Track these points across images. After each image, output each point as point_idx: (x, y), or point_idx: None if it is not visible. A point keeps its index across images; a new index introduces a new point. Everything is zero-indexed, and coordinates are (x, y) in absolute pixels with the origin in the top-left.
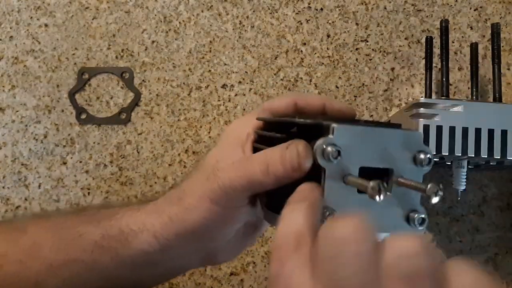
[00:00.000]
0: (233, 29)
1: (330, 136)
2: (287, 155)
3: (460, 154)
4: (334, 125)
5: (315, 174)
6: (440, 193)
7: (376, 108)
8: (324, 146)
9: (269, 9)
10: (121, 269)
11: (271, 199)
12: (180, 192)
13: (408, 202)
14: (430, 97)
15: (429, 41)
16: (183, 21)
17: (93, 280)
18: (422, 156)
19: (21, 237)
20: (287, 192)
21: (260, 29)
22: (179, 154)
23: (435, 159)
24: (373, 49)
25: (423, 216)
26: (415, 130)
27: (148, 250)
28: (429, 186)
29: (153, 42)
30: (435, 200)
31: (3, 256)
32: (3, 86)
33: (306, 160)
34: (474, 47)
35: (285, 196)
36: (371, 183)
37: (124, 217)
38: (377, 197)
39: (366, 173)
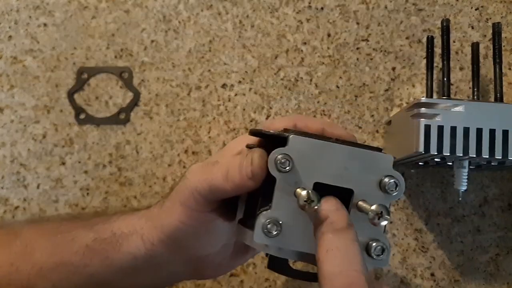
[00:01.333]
0: (233, 28)
1: (285, 146)
2: (244, 163)
3: (461, 154)
4: (290, 136)
5: (273, 187)
6: (387, 216)
7: (377, 108)
8: (277, 156)
9: (269, 8)
10: (110, 275)
11: (243, 212)
12: (166, 198)
13: (370, 230)
14: (431, 97)
15: (430, 40)
16: (183, 20)
17: (82, 285)
18: (388, 181)
19: (14, 241)
20: (254, 205)
21: (260, 28)
22: (178, 155)
23: (436, 160)
24: (374, 49)
25: (382, 245)
26: (387, 154)
27: (135, 254)
28: (373, 206)
29: (152, 41)
30: (383, 223)
31: None
32: (1, 86)
33: (259, 168)
34: (475, 47)
35: (252, 209)
36: (302, 191)
37: (118, 221)
38: (306, 207)
39: (323, 191)
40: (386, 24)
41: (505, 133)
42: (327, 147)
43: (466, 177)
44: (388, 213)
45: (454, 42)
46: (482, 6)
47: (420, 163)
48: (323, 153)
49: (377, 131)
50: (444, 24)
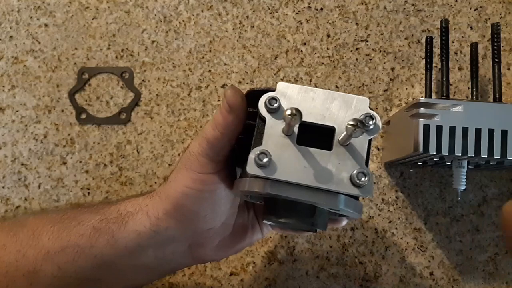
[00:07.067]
0: (233, 29)
1: (274, 91)
2: (221, 103)
3: (460, 154)
4: (278, 83)
5: (263, 130)
6: (361, 128)
7: (376, 108)
8: (266, 97)
9: (269, 9)
10: (114, 255)
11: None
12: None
13: (353, 162)
14: (430, 97)
15: (429, 41)
16: (183, 21)
17: (87, 267)
18: (365, 117)
19: (21, 230)
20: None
21: (260, 29)
22: (179, 154)
23: (435, 159)
24: (373, 49)
25: (363, 171)
26: (363, 96)
27: (140, 231)
28: (350, 121)
29: (153, 42)
30: (360, 135)
31: (1, 248)
32: (3, 86)
33: (233, 98)
34: (474, 47)
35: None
36: (287, 110)
37: (124, 202)
38: (292, 121)
39: (309, 130)
40: (385, 25)
41: (504, 133)
42: (310, 91)
43: (465, 176)
44: (364, 125)
45: (453, 42)
46: (481, 7)
47: (419, 163)
48: (307, 96)
49: None
50: (443, 25)
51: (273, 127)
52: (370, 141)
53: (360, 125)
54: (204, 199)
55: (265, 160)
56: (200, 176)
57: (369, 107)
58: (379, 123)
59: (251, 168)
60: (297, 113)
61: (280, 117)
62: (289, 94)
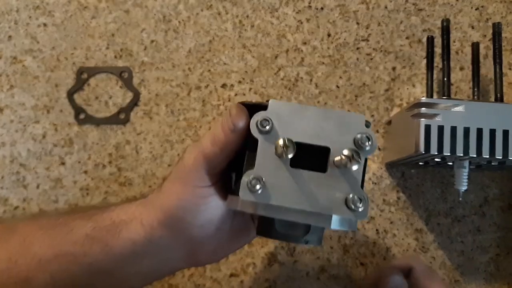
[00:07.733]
0: (233, 28)
1: (265, 110)
2: (224, 120)
3: (461, 154)
4: (270, 100)
5: (256, 151)
6: (358, 159)
7: (377, 108)
8: (258, 118)
9: (269, 8)
10: (109, 263)
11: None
12: (163, 183)
13: (348, 185)
14: (432, 97)
15: (430, 40)
16: (183, 20)
17: (81, 275)
18: (361, 136)
19: (11, 237)
20: (241, 175)
21: (260, 28)
22: (178, 155)
23: (436, 160)
24: (374, 49)
25: (359, 196)
26: (359, 114)
27: (135, 239)
28: (344, 151)
29: (152, 41)
30: (354, 166)
31: None
32: (1, 86)
33: (238, 118)
34: (475, 47)
35: (240, 178)
36: (280, 140)
37: (117, 209)
38: (283, 153)
39: (303, 151)
40: (386, 24)
41: (506, 133)
42: (303, 109)
43: (467, 177)
44: (359, 157)
45: (454, 42)
46: (482, 6)
47: (420, 163)
48: (300, 115)
49: (377, 131)
50: (444, 24)
51: (266, 149)
52: (366, 160)
53: (356, 156)
54: (199, 211)
55: (257, 186)
56: (194, 189)
57: (366, 121)
58: (376, 142)
59: (244, 194)
60: (290, 145)
61: (273, 140)
62: (282, 113)
